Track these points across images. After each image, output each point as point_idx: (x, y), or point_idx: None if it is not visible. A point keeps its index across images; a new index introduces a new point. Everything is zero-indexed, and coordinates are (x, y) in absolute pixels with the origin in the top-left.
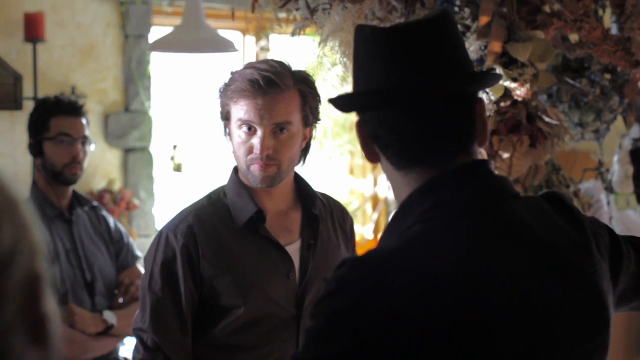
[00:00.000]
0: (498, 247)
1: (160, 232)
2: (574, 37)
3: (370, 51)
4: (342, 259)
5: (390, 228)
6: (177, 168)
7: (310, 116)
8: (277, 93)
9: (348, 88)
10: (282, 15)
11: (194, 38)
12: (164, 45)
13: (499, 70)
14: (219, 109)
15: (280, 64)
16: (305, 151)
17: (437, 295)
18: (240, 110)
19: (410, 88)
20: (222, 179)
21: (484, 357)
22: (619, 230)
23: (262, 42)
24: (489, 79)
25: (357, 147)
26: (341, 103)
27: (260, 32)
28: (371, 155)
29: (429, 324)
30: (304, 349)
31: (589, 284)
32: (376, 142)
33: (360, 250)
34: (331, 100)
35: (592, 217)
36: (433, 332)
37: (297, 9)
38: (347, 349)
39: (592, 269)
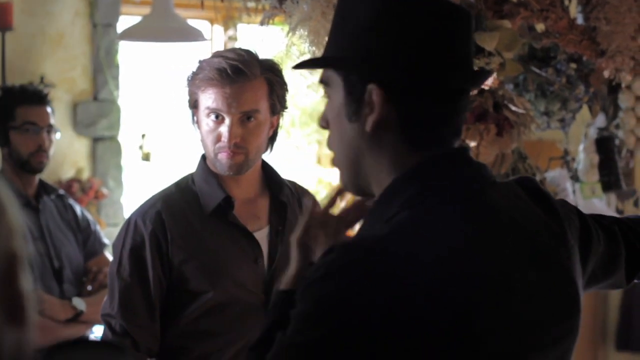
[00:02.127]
0: (483, 234)
1: (129, 219)
2: (540, 27)
3: (396, 16)
4: (331, 246)
5: (374, 215)
6: (146, 157)
7: (278, 104)
8: (245, 81)
9: (316, 77)
10: (251, 4)
11: (163, 27)
12: (132, 34)
13: None
14: (187, 97)
15: (248, 52)
16: (272, 139)
17: (427, 281)
18: (208, 98)
19: (448, 78)
20: (190, 167)
21: (465, 339)
22: None
23: (230, 32)
24: (485, 76)
25: (325, 137)
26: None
27: (229, 22)
28: (377, 123)
29: (419, 310)
30: (292, 333)
31: (563, 271)
32: (400, 113)
33: None
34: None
35: (562, 200)
36: (421, 317)
37: None
38: (335, 334)
39: (567, 254)
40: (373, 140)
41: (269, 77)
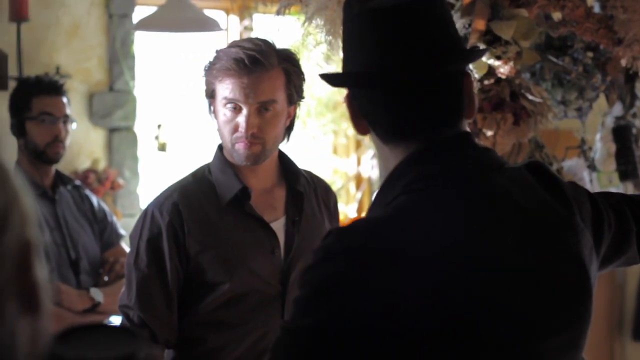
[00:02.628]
0: (482, 219)
1: (146, 210)
2: (557, 16)
3: (358, 30)
4: (329, 230)
5: (377, 200)
6: (162, 147)
7: (295, 94)
8: (262, 72)
9: (333, 67)
10: None
11: (178, 17)
12: (148, 24)
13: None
14: (204, 87)
15: (265, 42)
16: (289, 129)
17: (423, 264)
18: (225, 88)
19: (397, 69)
20: (206, 158)
21: (465, 325)
22: None
23: (246, 22)
24: (473, 55)
25: (341, 127)
26: (331, 80)
27: (244, 12)
28: (360, 128)
29: (414, 293)
30: (292, 318)
31: (572, 257)
32: (365, 118)
33: None
34: (322, 76)
35: (573, 183)
36: (417, 300)
37: None
38: (335, 317)
39: (575, 239)
40: (373, 139)
41: (286, 67)
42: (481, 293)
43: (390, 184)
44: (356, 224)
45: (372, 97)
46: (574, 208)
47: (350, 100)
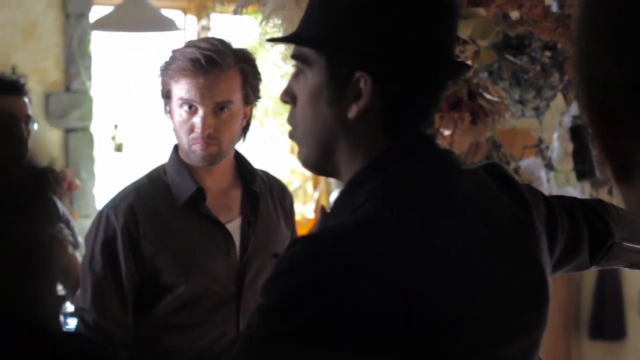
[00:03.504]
0: (446, 224)
1: (101, 211)
2: (514, 15)
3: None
4: (295, 238)
5: (340, 205)
6: (118, 148)
7: (251, 95)
8: (219, 72)
9: (290, 67)
10: None
11: (135, 17)
12: (105, 24)
13: None
14: (160, 87)
15: (222, 42)
16: (245, 129)
17: (391, 272)
18: (181, 89)
19: (438, 63)
20: (163, 158)
21: (431, 331)
22: None
23: (204, 21)
24: (466, 69)
25: None
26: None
27: (202, 11)
28: (360, 108)
29: (383, 300)
30: (257, 327)
31: (530, 259)
32: (383, 110)
33: (301, 230)
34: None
35: (528, 185)
36: (386, 307)
37: None
38: (301, 327)
39: (534, 243)
40: (352, 127)
41: (243, 67)
42: (450, 298)
43: (352, 190)
44: (323, 232)
45: (398, 91)
46: (532, 211)
47: (371, 76)
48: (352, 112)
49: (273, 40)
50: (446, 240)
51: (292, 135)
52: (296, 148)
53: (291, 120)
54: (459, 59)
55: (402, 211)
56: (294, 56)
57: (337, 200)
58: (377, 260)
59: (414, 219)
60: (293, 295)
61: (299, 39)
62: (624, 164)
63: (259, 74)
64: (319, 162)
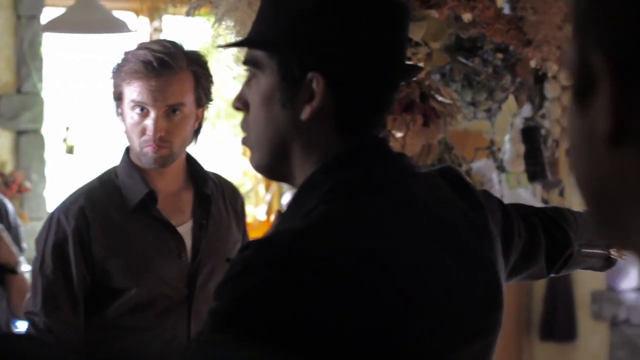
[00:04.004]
0: (401, 227)
1: (52, 215)
2: (467, 17)
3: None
4: (247, 242)
5: (293, 208)
6: (70, 150)
7: (204, 97)
8: (171, 74)
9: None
10: None
11: (87, 18)
12: (57, 25)
13: None
14: (112, 89)
15: (174, 44)
16: (197, 132)
17: (343, 276)
18: (133, 91)
19: (388, 63)
20: (114, 160)
21: (385, 336)
22: None
23: (156, 23)
24: (418, 71)
25: None
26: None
27: (154, 13)
28: (313, 111)
29: (335, 303)
30: (209, 331)
31: (485, 264)
32: (337, 110)
33: (253, 232)
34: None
35: (485, 191)
36: (338, 314)
37: None
38: (253, 331)
39: (488, 247)
40: (305, 130)
41: (195, 69)
42: (402, 300)
43: (305, 193)
44: (276, 236)
45: (351, 92)
46: (487, 216)
47: (324, 79)
48: (305, 113)
49: (225, 45)
50: (398, 243)
51: (245, 141)
52: (247, 150)
53: (244, 126)
54: (412, 61)
55: (354, 214)
56: (245, 62)
57: (290, 204)
58: (328, 264)
59: (366, 223)
60: (245, 299)
61: (250, 42)
62: (621, 120)
63: (211, 76)
64: (272, 167)
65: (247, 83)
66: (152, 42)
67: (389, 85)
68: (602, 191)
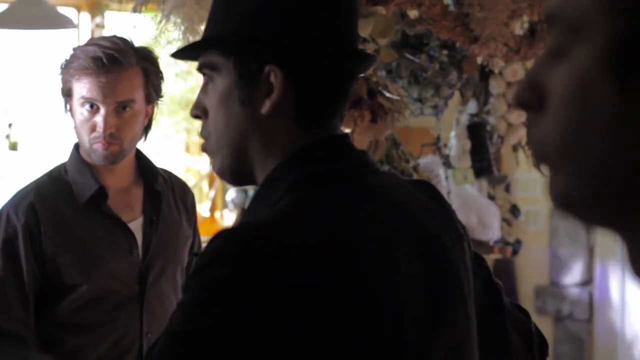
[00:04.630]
0: (364, 218)
1: (1, 211)
2: (413, 13)
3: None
4: (217, 232)
5: (257, 201)
6: (13, 147)
7: (153, 93)
8: (121, 71)
9: (185, 65)
10: None
11: (30, 14)
12: (0, 21)
13: None
14: (60, 85)
15: (124, 41)
16: (147, 128)
17: (310, 265)
18: (82, 87)
19: (334, 55)
20: (59, 157)
21: (352, 326)
22: (456, 205)
23: (98, 19)
24: (373, 61)
25: (194, 125)
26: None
27: (96, 9)
28: (273, 106)
29: (301, 294)
30: (180, 322)
31: (446, 260)
32: (297, 94)
33: (200, 228)
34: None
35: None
36: (305, 301)
37: None
38: (223, 319)
39: (451, 242)
40: (266, 125)
41: (145, 66)
42: (366, 290)
43: (269, 186)
44: (243, 226)
45: (309, 83)
46: (455, 217)
47: (281, 72)
48: (265, 107)
49: (178, 52)
50: (362, 233)
51: (205, 148)
52: (191, 146)
53: (203, 132)
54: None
55: (321, 204)
56: (200, 67)
57: (254, 198)
58: (295, 254)
59: (333, 212)
60: (213, 289)
61: (204, 43)
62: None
63: (160, 72)
64: (234, 168)
65: (204, 89)
66: (102, 38)
67: (345, 74)
68: (630, 176)
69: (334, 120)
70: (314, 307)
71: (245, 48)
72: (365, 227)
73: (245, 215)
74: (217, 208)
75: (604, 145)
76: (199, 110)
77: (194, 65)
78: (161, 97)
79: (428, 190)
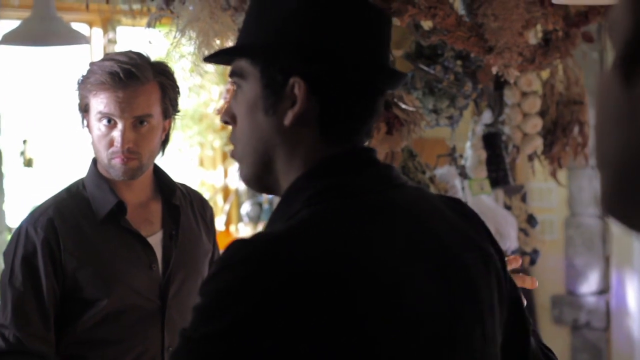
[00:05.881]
0: (379, 232)
1: (20, 226)
2: (427, 24)
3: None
4: (232, 241)
5: (276, 214)
6: (28, 163)
7: (170, 108)
8: (138, 86)
9: (198, 80)
10: (136, 6)
11: (44, 31)
12: (13, 38)
13: None
14: (78, 100)
15: (140, 55)
16: (164, 143)
17: (321, 276)
18: (100, 103)
19: (369, 69)
20: (76, 173)
21: (361, 341)
22: None
23: (110, 34)
24: (404, 78)
25: (207, 139)
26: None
27: (108, 24)
28: (297, 118)
29: (309, 304)
30: (192, 326)
31: (466, 276)
32: (324, 107)
33: None
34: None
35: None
36: (312, 312)
37: (152, 0)
38: (232, 325)
39: (473, 261)
40: (289, 136)
41: (162, 80)
42: (373, 304)
43: (289, 198)
44: (257, 236)
45: (334, 97)
46: (485, 241)
47: (306, 85)
48: (288, 118)
49: (210, 56)
50: (375, 250)
51: (233, 154)
52: (205, 160)
53: (232, 138)
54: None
55: (334, 220)
56: (231, 73)
57: (276, 209)
58: (305, 264)
59: (345, 228)
60: (224, 295)
61: (232, 50)
62: None
63: (177, 87)
64: (259, 177)
65: (235, 96)
66: (118, 53)
67: (372, 90)
68: None
69: (359, 134)
70: (321, 317)
71: (271, 58)
72: (379, 242)
73: (266, 225)
74: (232, 221)
75: (618, 145)
76: (228, 117)
77: (207, 79)
78: (178, 111)
79: (458, 208)
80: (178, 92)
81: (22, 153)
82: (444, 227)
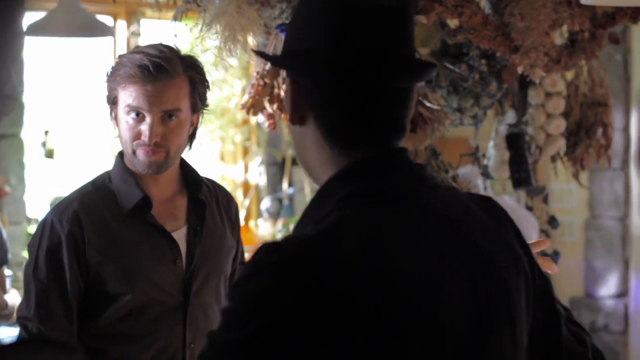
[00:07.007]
0: (409, 236)
1: (45, 219)
2: (453, 23)
3: (333, 16)
4: (261, 244)
5: (307, 216)
6: (49, 154)
7: (199, 102)
8: (167, 79)
9: (220, 74)
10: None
11: (69, 22)
12: (38, 29)
13: None
14: (106, 93)
15: (170, 49)
16: (192, 137)
17: (349, 282)
18: (128, 96)
19: (369, 70)
20: (97, 165)
21: (388, 336)
22: None
23: (134, 27)
24: (433, 69)
25: (228, 133)
26: (293, 63)
27: (132, 17)
28: (298, 118)
29: (342, 309)
30: (220, 330)
31: (496, 278)
32: (314, 111)
33: None
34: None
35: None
36: (343, 317)
37: None
38: (255, 334)
39: (505, 263)
40: (309, 139)
41: (191, 74)
42: (408, 310)
43: (320, 199)
44: (287, 240)
45: (327, 89)
46: (516, 243)
47: (296, 86)
48: (309, 122)
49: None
50: (407, 251)
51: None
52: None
53: None
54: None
55: (363, 224)
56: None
57: (306, 209)
58: (334, 270)
59: (375, 232)
60: (253, 300)
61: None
62: None
63: (206, 81)
64: (312, 178)
65: None
66: (148, 46)
67: (378, 88)
68: None
69: (386, 133)
70: (348, 324)
71: (290, 65)
72: (409, 247)
73: (296, 226)
74: (252, 217)
75: None
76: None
77: (229, 73)
78: (207, 106)
79: (489, 207)
80: (207, 87)
81: (44, 144)
82: (475, 228)
